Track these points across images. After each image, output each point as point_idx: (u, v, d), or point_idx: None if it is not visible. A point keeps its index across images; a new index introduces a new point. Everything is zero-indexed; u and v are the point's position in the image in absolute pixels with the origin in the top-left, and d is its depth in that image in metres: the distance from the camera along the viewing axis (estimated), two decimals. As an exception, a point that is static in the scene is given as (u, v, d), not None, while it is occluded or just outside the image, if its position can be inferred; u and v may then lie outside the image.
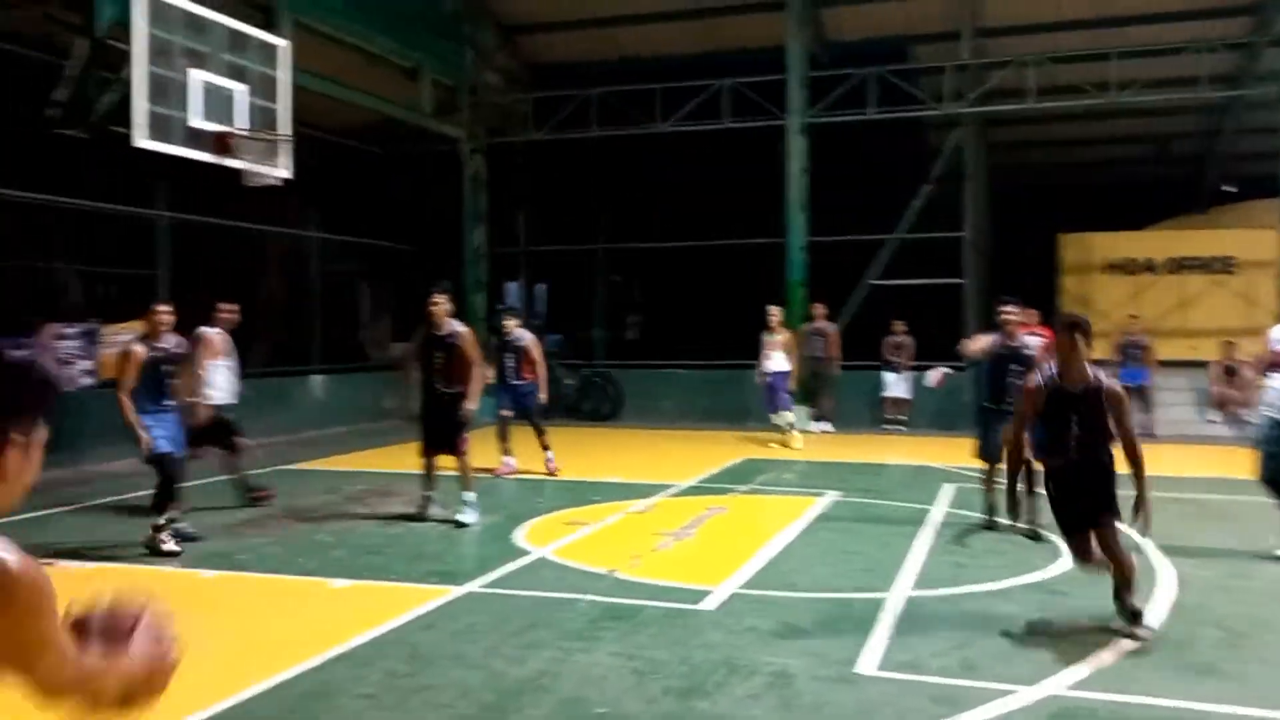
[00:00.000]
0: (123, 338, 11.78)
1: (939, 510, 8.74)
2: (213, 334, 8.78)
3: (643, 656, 4.89)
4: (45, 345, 10.86)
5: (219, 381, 8.66)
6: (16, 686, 1.52)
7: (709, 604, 5.80)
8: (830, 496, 9.36)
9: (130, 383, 7.11)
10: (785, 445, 13.00)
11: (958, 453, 12.52)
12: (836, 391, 15.17)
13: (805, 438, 13.82)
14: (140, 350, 7.20)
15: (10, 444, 1.58)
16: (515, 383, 11.25)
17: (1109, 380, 5.22)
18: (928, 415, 15.17)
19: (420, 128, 16.35)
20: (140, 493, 9.55)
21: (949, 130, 16.40)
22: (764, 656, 4.90)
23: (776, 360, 12.97)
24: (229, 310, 8.98)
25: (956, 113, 15.72)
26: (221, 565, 6.77)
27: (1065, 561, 6.81)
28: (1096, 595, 5.47)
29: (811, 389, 15.28)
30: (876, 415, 15.40)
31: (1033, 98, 15.08)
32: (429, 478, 8.38)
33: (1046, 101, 15.27)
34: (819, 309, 15.09)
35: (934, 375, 15.14)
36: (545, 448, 11.07)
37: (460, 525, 7.94)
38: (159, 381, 7.23)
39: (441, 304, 8.32)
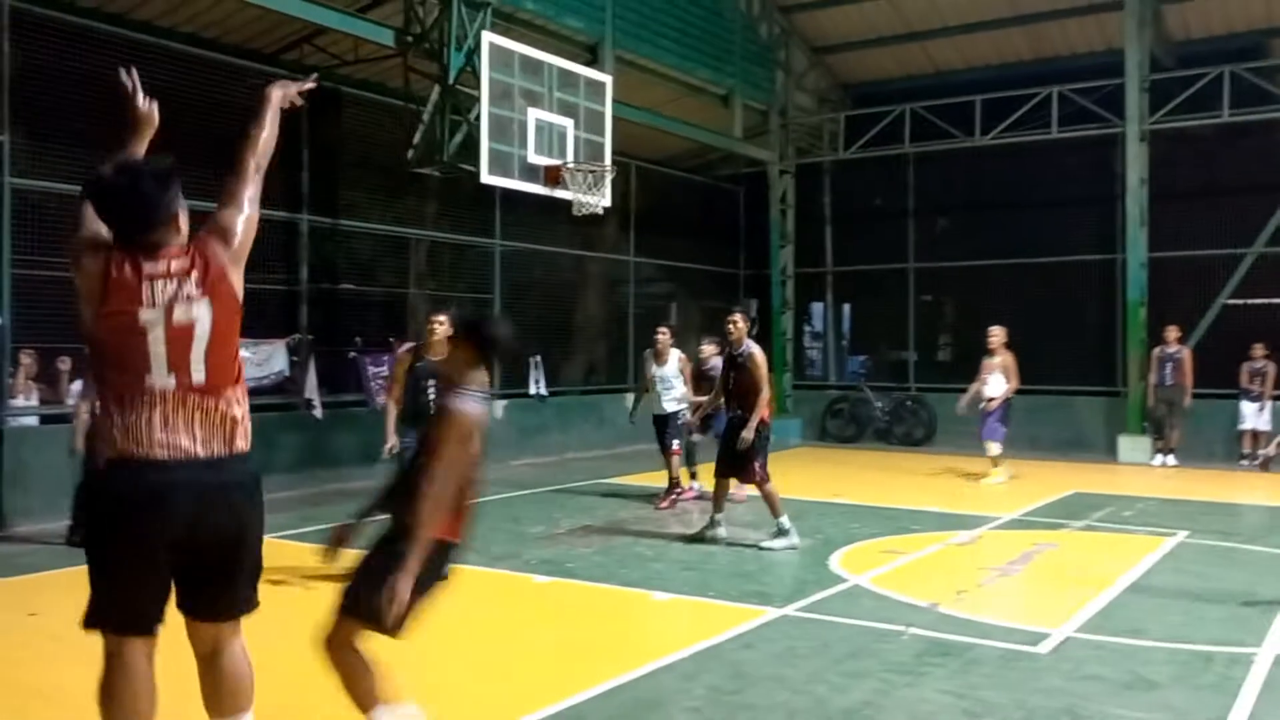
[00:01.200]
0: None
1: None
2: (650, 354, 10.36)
3: (974, 697, 4.65)
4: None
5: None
6: None
7: (1045, 647, 5.43)
8: (1179, 537, 8.51)
9: (397, 390, 6.98)
10: (981, 477, 11.98)
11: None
12: (1186, 423, 13.81)
13: (1154, 471, 12.90)
14: (404, 358, 7.04)
15: None
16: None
17: None
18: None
19: (730, 151, 16.69)
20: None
21: (1319, 130, 14.54)
22: (1112, 709, 4.51)
23: (993, 384, 11.86)
24: (663, 331, 10.31)
25: (1330, 110, 13.92)
26: (553, 572, 7.18)
27: None
28: None
29: (1159, 420, 14.02)
30: (1231, 450, 13.85)
31: None
32: (716, 499, 8.38)
33: None
34: (1172, 332, 13.80)
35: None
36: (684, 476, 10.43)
37: (763, 549, 7.93)
38: (416, 396, 6.89)
39: (737, 323, 8.35)
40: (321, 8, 9.70)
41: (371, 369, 11.76)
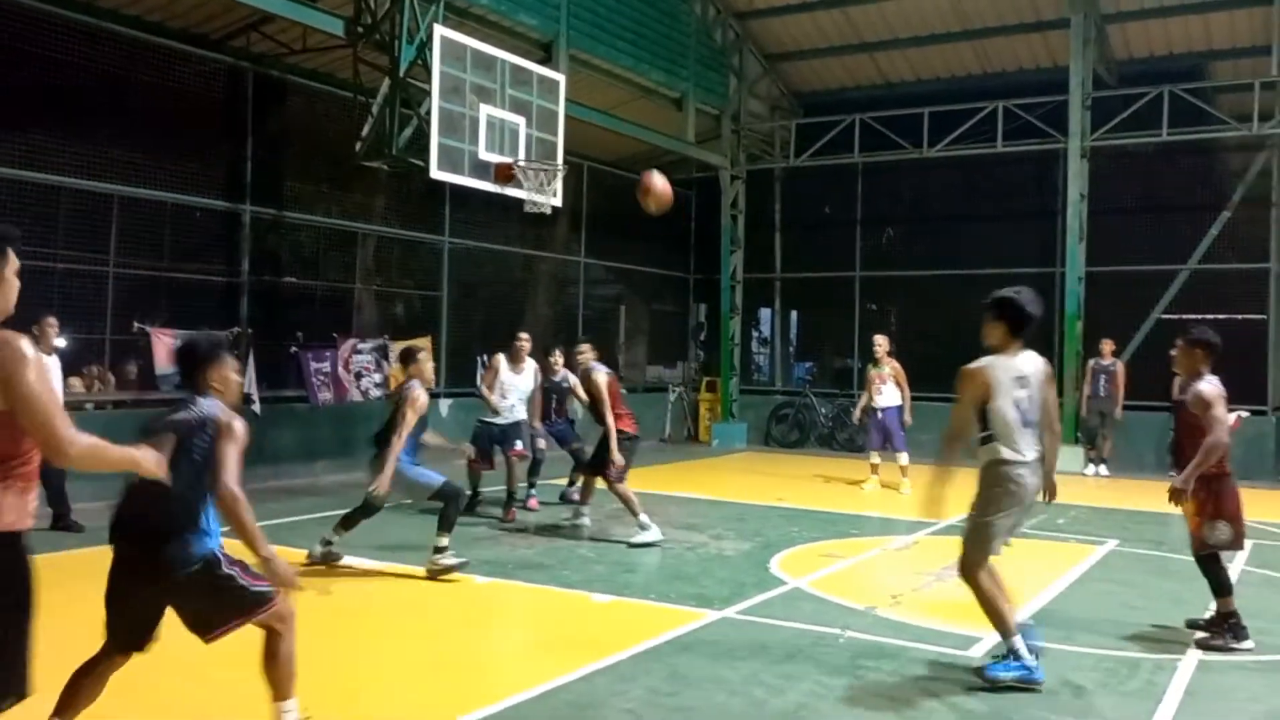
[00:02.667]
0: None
1: (1235, 568, 7.91)
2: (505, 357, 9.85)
3: (907, 700, 4.71)
4: (344, 357, 11.89)
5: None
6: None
7: (977, 651, 5.51)
8: (1110, 546, 8.70)
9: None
10: (897, 489, 11.92)
11: (1255, 504, 11.32)
12: (1118, 434, 14.12)
13: (1087, 481, 13.17)
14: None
15: None
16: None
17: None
18: (1221, 463, 13.82)
19: (683, 155, 16.74)
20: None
21: (1253, 152, 14.96)
22: (1039, 713, 4.59)
23: (888, 394, 11.91)
24: (525, 337, 9.94)
25: (1265, 134, 14.30)
26: (493, 573, 7.12)
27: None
28: None
29: (1092, 430, 14.31)
30: (1161, 460, 14.17)
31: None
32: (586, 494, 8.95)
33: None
34: (1107, 345, 14.11)
35: (1229, 419, 13.80)
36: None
37: (631, 546, 8.10)
38: None
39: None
40: (270, -5, 9.54)
41: (313, 364, 11.60)
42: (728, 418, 17.68)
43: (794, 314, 19.64)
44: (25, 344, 2.61)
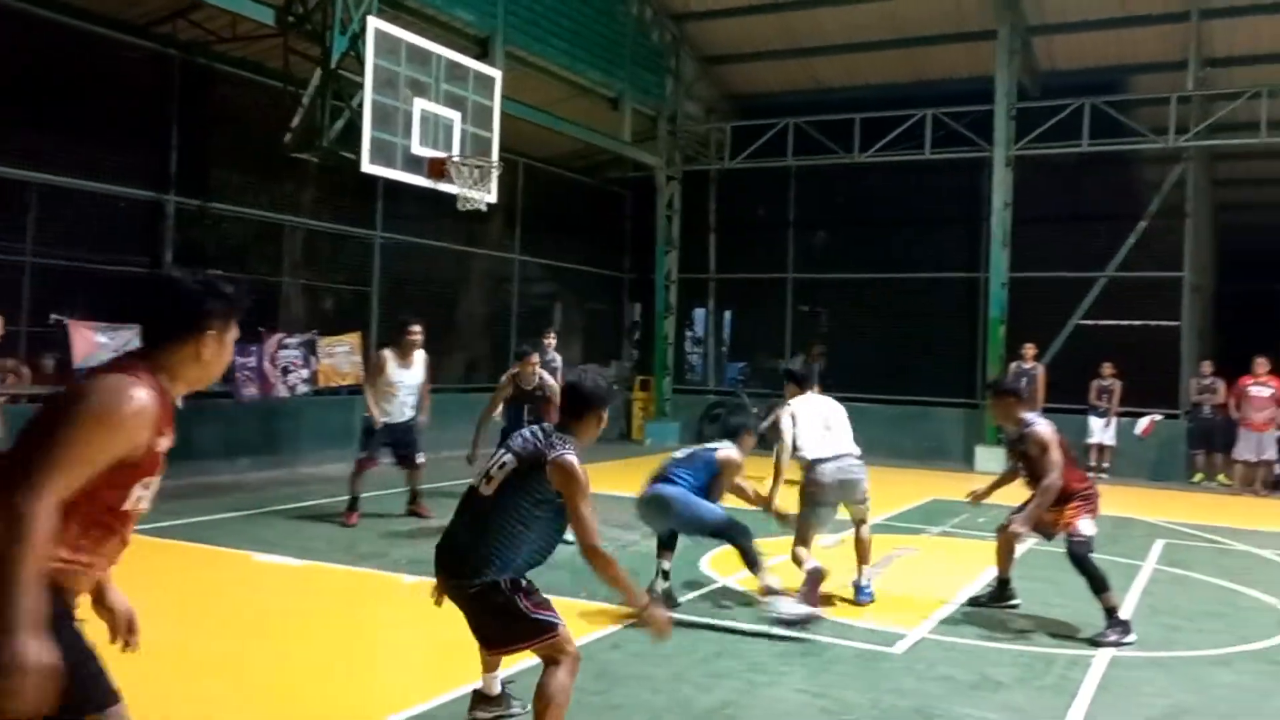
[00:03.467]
0: (340, 349, 12.56)
1: (1148, 567, 8.21)
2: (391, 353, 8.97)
3: (831, 696, 4.79)
4: (270, 352, 11.68)
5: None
6: None
7: (900, 648, 5.63)
8: (1029, 544, 8.90)
9: None
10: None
11: (1167, 505, 11.77)
12: (1036, 434, 14.49)
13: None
14: None
15: (208, 337, 2.39)
16: None
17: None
18: (1135, 465, 14.31)
19: (619, 155, 16.76)
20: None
21: (1169, 164, 15.48)
22: (959, 708, 4.71)
23: None
24: (416, 329, 9.03)
25: (1180, 146, 14.81)
26: (422, 571, 7.02)
27: (1298, 634, 6.27)
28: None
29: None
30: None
31: (1266, 131, 14.06)
32: None
33: (1280, 135, 14.20)
34: (1029, 349, 14.45)
35: (1143, 423, 14.34)
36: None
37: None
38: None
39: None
40: (198, -19, 9.34)
41: (237, 359, 11.36)
42: (661, 416, 17.76)
43: (727, 314, 19.80)
44: (124, 391, 2.29)
